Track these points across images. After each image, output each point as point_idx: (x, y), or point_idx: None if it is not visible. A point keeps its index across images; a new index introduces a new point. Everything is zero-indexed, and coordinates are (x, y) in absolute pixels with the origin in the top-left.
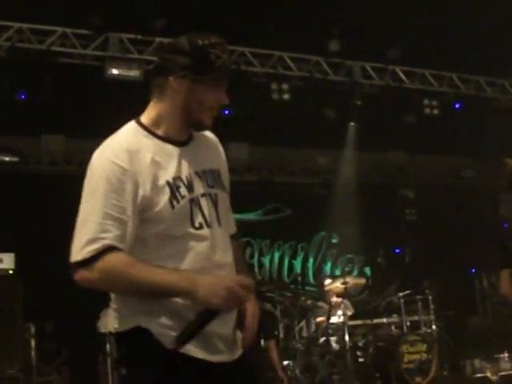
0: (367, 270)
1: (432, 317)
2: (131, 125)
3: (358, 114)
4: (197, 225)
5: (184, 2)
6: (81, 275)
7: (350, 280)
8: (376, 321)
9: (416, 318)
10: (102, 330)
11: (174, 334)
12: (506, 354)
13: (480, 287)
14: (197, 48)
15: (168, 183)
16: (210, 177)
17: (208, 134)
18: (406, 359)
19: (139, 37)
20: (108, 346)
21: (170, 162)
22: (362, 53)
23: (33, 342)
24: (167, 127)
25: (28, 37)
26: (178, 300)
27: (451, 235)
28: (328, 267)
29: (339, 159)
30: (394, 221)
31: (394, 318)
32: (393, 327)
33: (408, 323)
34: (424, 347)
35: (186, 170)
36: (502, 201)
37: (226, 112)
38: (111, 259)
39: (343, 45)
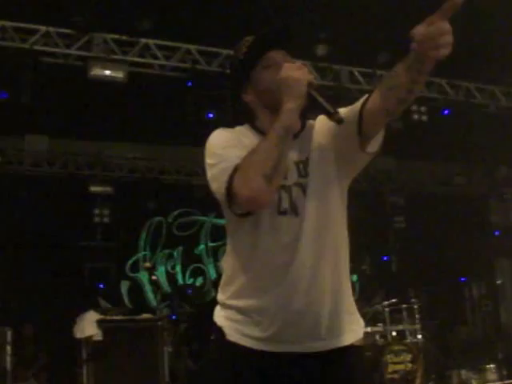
0: (353, 278)
1: (418, 326)
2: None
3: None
4: (282, 209)
5: (171, 3)
6: (235, 208)
7: None
8: None
9: (401, 327)
10: (78, 335)
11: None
12: (493, 365)
13: (469, 296)
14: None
15: None
16: (302, 167)
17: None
18: (390, 369)
19: (124, 37)
20: (84, 352)
21: None
22: (350, 57)
23: (8, 347)
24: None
25: (11, 35)
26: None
27: (440, 243)
28: None
29: None
30: (381, 228)
31: (379, 327)
32: (377, 336)
33: (393, 333)
34: (409, 357)
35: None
36: (492, 208)
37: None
38: (237, 174)
39: (330, 49)
